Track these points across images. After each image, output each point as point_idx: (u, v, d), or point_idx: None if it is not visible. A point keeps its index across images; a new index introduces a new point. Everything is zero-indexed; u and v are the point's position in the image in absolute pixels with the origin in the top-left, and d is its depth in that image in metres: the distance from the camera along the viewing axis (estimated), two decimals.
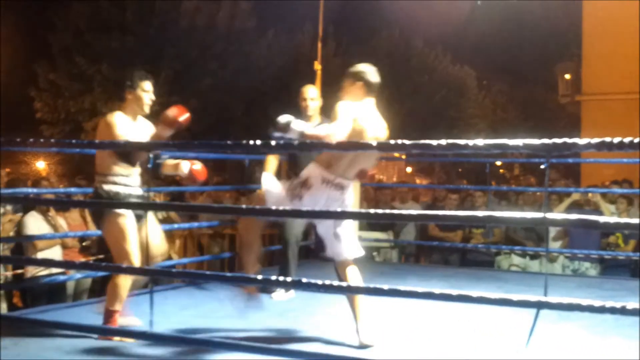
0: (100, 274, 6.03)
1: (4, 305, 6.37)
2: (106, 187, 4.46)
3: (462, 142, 2.83)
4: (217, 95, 20.50)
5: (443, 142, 2.86)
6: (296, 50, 23.31)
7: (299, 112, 5.84)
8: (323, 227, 4.40)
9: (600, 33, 15.79)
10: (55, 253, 6.64)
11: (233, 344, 3.75)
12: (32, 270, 6.47)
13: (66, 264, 5.23)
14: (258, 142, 3.15)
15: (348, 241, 4.39)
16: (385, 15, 26.82)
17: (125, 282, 4.40)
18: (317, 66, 7.69)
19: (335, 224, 4.33)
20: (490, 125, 30.37)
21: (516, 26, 30.52)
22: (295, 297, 5.77)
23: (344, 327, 4.48)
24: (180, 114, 4.39)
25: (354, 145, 3.79)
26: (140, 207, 4.63)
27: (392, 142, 3.12)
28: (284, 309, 5.35)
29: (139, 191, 4.61)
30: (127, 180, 4.52)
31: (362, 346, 4.22)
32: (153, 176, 4.80)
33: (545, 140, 2.61)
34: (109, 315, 4.37)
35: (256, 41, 21.87)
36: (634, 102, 15.05)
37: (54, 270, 6.11)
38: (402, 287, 3.04)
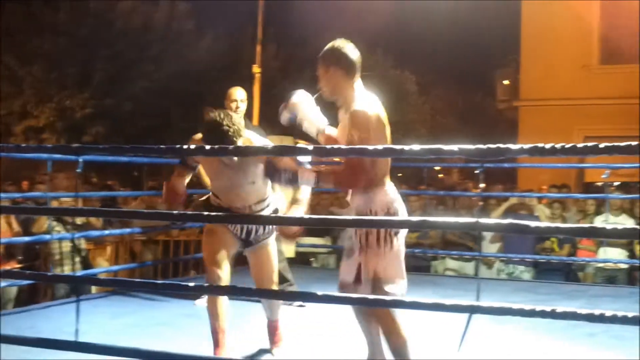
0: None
1: None
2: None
3: (397, 147, 2.79)
4: (153, 98, 20.12)
5: (380, 147, 2.82)
6: (236, 53, 23.13)
7: None
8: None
9: (538, 39, 16.04)
10: None
11: (164, 353, 3.63)
12: None
13: None
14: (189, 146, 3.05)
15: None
16: (328, 18, 26.87)
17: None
18: (256, 69, 7.60)
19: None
20: (430, 131, 30.68)
21: (456, 31, 30.90)
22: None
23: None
24: None
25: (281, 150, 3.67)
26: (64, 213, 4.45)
27: (328, 147, 3.06)
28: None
29: None
30: None
31: None
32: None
33: (480, 146, 2.60)
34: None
35: (194, 43, 21.61)
36: (570, 108, 15.39)
37: None
38: (335, 293, 2.99)
